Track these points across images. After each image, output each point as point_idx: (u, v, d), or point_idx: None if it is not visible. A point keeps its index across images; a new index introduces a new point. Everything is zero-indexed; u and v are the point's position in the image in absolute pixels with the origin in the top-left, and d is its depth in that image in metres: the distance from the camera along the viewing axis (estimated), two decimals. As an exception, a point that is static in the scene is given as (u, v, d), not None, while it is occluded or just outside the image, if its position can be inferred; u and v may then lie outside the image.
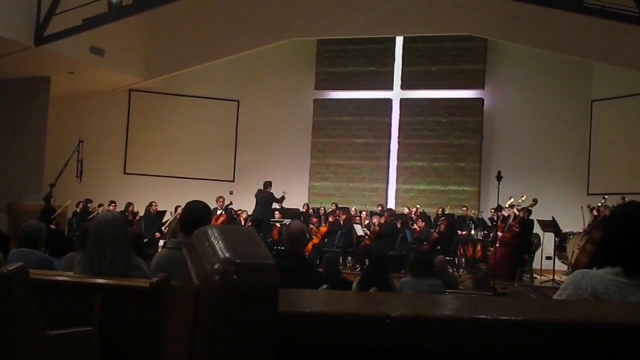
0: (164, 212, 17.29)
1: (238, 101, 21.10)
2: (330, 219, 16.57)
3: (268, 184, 16.56)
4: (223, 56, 19.42)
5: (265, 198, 16.39)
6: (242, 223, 16.82)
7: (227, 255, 1.34)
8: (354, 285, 7.61)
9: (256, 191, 16.61)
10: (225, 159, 20.91)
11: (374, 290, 5.96)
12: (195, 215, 4.66)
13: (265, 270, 1.33)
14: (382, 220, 15.88)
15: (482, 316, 1.52)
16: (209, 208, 5.01)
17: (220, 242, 1.39)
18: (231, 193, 18.04)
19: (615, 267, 2.61)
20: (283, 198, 16.74)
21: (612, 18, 13.68)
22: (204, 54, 19.32)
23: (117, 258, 4.55)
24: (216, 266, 1.32)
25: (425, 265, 7.87)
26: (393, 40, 20.08)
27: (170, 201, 16.83)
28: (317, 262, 13.97)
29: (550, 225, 14.68)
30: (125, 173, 20.51)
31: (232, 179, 20.57)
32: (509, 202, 15.12)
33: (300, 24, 18.58)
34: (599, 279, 2.62)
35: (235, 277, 1.30)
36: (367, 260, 12.64)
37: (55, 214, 15.73)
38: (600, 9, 13.48)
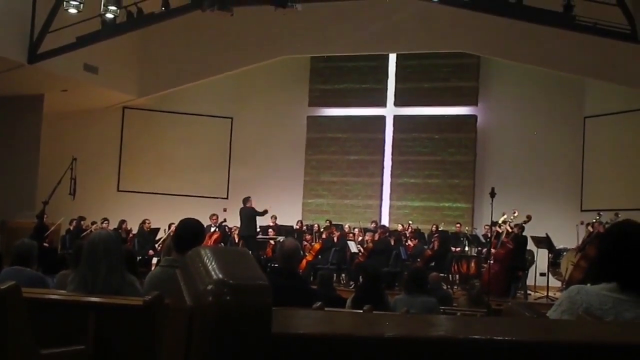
0: (158, 229, 17.24)
1: (232, 118, 21.10)
2: (324, 236, 16.56)
3: (247, 199, 16.64)
4: (216, 73, 19.48)
5: (247, 214, 16.43)
6: (236, 240, 16.80)
7: (221, 276, 1.33)
8: (348, 302, 7.59)
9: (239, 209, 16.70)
10: (219, 176, 20.89)
11: (368, 308, 5.95)
12: (189, 232, 4.65)
13: (258, 291, 1.33)
14: (376, 237, 15.86)
15: (476, 337, 1.52)
16: (203, 226, 5.00)
17: (213, 263, 1.39)
18: (225, 210, 18.02)
19: (611, 283, 2.62)
20: (265, 211, 16.72)
21: (605, 35, 13.75)
22: (198, 72, 19.36)
23: (110, 276, 4.53)
24: (209, 287, 1.32)
25: (420, 282, 7.85)
26: (386, 58, 20.14)
27: (164, 219, 16.78)
28: (311, 279, 13.96)
29: (544, 242, 14.69)
30: (118, 190, 20.46)
31: (225, 197, 20.53)
32: (502, 219, 15.12)
33: (294, 42, 18.63)
34: (594, 294, 2.62)
35: (228, 298, 1.29)
36: (361, 277, 12.63)
37: (49, 231, 15.67)
38: (593, 26, 13.54)
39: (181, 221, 4.85)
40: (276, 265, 9.60)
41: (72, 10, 14.43)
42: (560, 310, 2.68)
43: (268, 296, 1.32)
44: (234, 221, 17.50)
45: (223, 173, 20.97)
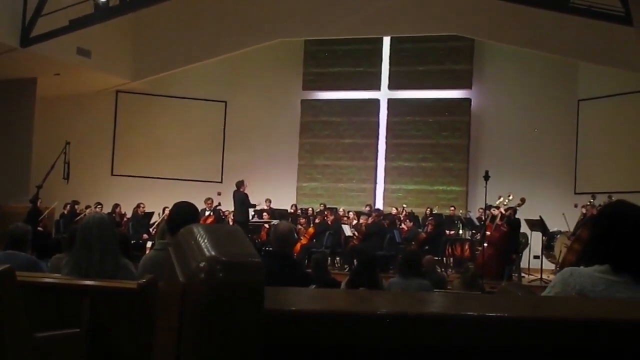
0: (152, 213, 17.24)
1: (225, 102, 21.06)
2: (318, 220, 16.57)
3: (240, 184, 16.63)
4: (210, 57, 19.42)
5: (239, 199, 16.46)
6: (230, 224, 16.81)
7: (213, 253, 1.33)
8: (343, 285, 7.61)
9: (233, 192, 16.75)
10: (213, 160, 20.88)
11: (363, 290, 5.96)
12: (183, 216, 4.64)
13: (251, 268, 1.33)
14: (370, 220, 15.87)
15: (469, 313, 1.52)
16: (197, 209, 4.99)
17: (206, 241, 1.39)
18: (219, 194, 18.01)
19: (604, 265, 2.63)
20: (255, 205, 16.82)
21: (599, 18, 13.76)
22: (192, 55, 19.30)
23: (104, 259, 4.53)
24: (202, 264, 1.32)
25: (414, 265, 7.87)
26: (380, 41, 20.12)
27: (158, 202, 16.78)
28: (306, 262, 13.96)
29: (538, 225, 14.73)
30: (112, 174, 20.44)
31: (220, 180, 20.54)
32: (497, 202, 15.15)
33: (288, 25, 18.58)
34: (587, 276, 2.63)
35: (221, 275, 1.29)
36: (355, 260, 12.67)
37: (43, 215, 15.64)
38: (587, 9, 13.54)
39: (175, 204, 4.84)
40: (270, 248, 9.61)
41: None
42: (553, 292, 2.69)
43: (261, 273, 1.33)
44: (228, 205, 17.50)
45: (217, 157, 20.96)
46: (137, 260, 5.23)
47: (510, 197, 15.00)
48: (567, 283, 2.64)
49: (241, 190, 16.52)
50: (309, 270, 8.85)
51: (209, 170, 20.65)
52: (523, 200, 14.80)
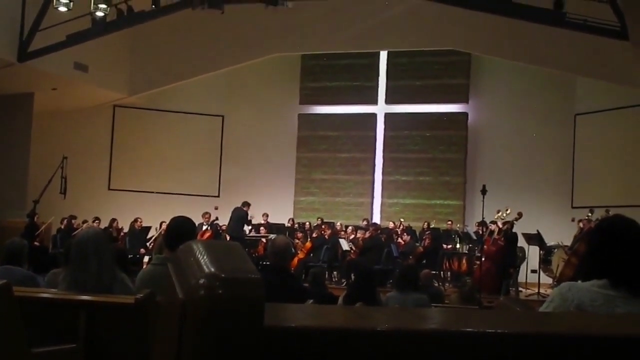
0: (149, 228, 17.20)
1: (223, 117, 21.07)
2: (315, 234, 16.55)
3: (246, 204, 16.77)
4: (207, 72, 19.45)
5: (238, 216, 16.52)
6: (228, 239, 16.79)
7: (213, 269, 1.33)
8: (340, 300, 7.61)
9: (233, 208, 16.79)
10: (210, 174, 20.85)
11: (360, 305, 5.96)
12: (180, 231, 4.64)
13: (250, 284, 1.33)
14: (367, 234, 15.86)
15: (468, 329, 1.52)
16: (194, 224, 4.99)
17: (205, 257, 1.39)
18: (216, 209, 17.99)
19: (602, 280, 2.63)
20: (250, 222, 17.00)
21: (595, 32, 13.79)
22: (189, 70, 19.33)
23: (101, 273, 4.51)
24: (201, 281, 1.32)
25: (411, 279, 7.87)
26: (377, 55, 20.17)
27: (155, 217, 16.75)
28: (303, 276, 13.95)
29: (535, 239, 14.72)
30: (109, 189, 20.41)
31: (217, 195, 20.51)
32: (495, 216, 15.15)
33: (284, 40, 18.64)
34: (585, 291, 2.63)
35: (220, 291, 1.29)
36: (352, 274, 12.65)
37: (39, 230, 15.65)
38: (583, 24, 13.57)
39: (172, 219, 4.85)
40: (267, 263, 9.61)
41: (62, 9, 14.44)
42: (552, 306, 2.68)
43: (260, 289, 1.33)
44: (226, 219, 17.48)
45: (214, 171, 20.94)
46: (134, 274, 5.22)
47: (508, 211, 15.00)
48: (566, 298, 2.64)
49: (244, 209, 16.59)
50: (307, 285, 8.84)
51: (207, 184, 20.63)
52: (520, 215, 14.80)
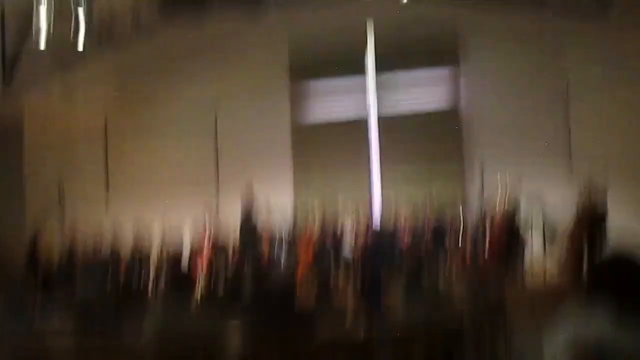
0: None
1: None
2: (317, 239, 16.19)
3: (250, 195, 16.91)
4: (194, 81, 19.44)
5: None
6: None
7: None
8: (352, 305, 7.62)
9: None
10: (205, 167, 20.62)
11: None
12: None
13: None
14: (369, 236, 15.67)
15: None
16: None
17: None
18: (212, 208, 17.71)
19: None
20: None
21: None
22: (175, 81, 19.38)
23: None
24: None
25: (418, 281, 7.86)
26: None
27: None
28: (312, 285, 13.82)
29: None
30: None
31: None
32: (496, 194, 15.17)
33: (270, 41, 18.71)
34: None
35: None
36: (360, 279, 12.59)
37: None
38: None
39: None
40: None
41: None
42: None
43: None
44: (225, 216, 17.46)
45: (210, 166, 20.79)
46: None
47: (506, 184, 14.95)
48: None
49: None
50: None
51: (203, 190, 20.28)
52: (518, 200, 14.79)
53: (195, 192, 19.27)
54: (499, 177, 15.37)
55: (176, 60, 18.68)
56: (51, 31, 14.22)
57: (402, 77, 19.85)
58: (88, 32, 14.42)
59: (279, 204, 18.44)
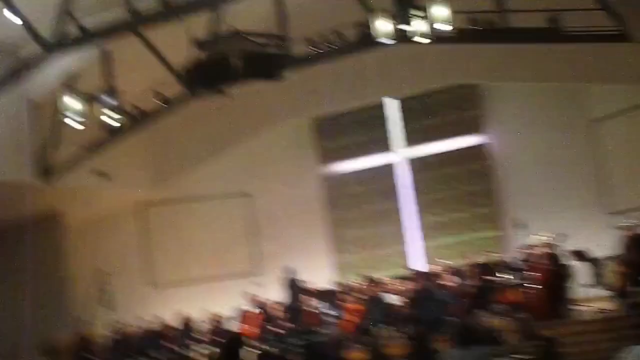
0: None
1: (251, 196, 20.88)
2: (363, 295, 16.07)
3: (292, 271, 17.03)
4: (224, 149, 19.86)
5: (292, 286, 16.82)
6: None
7: None
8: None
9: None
10: (243, 252, 20.67)
11: None
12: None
13: None
14: (415, 284, 15.60)
15: None
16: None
17: None
18: (257, 286, 17.70)
19: None
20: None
21: (596, 40, 13.85)
22: (207, 151, 19.68)
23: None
24: None
25: (468, 334, 7.76)
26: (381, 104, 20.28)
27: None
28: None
29: (577, 255, 14.60)
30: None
31: (255, 273, 20.01)
32: (536, 239, 15.03)
33: (293, 105, 18.89)
34: None
35: None
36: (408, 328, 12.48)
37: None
38: (583, 35, 13.67)
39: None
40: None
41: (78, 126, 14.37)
42: None
43: None
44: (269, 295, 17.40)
45: (246, 249, 20.78)
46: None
47: (552, 236, 14.84)
48: None
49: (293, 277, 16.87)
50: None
51: (242, 263, 20.40)
52: (562, 235, 14.67)
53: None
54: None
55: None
56: (82, 114, 14.31)
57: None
58: (117, 111, 14.44)
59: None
